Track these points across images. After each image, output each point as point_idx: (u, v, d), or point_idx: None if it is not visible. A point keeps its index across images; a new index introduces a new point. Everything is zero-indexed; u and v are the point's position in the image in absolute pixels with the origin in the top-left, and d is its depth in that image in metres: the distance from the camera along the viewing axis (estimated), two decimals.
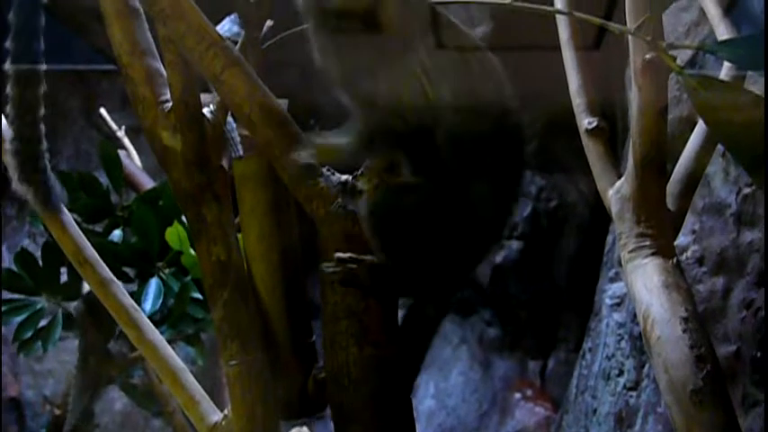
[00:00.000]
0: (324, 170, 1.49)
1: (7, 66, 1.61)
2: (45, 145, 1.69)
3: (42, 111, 1.66)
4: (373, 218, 1.44)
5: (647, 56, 1.45)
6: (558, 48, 1.89)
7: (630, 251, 1.61)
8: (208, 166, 1.69)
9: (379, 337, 1.48)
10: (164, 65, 1.67)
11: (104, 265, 1.91)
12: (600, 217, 2.68)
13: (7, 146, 1.68)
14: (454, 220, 1.45)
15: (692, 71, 2.56)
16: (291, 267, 1.71)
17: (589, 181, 1.81)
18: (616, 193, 1.66)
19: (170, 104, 1.67)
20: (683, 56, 2.37)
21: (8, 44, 1.58)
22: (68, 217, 1.89)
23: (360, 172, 1.48)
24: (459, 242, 1.47)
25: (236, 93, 1.48)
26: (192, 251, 2.58)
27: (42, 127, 1.67)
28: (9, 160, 1.68)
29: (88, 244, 1.90)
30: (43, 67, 1.64)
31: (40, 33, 1.59)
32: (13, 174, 1.65)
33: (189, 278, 2.71)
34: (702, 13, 2.11)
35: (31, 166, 1.69)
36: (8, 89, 1.63)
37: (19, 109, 1.66)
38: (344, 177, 1.49)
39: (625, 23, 1.47)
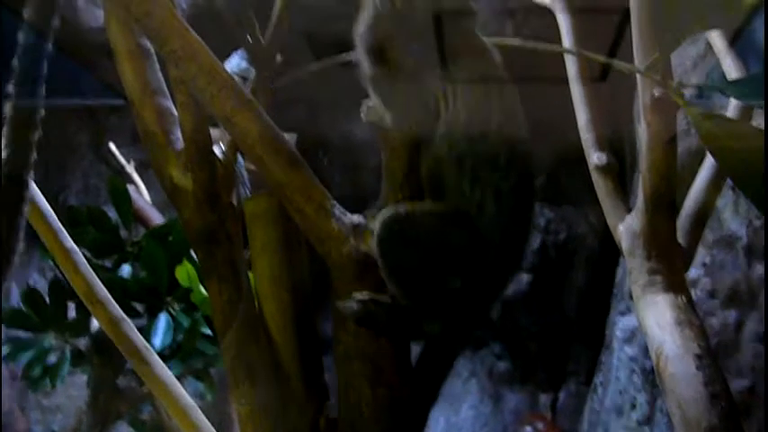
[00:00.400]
0: (336, 211, 1.49)
1: (6, 109, 1.61)
2: (29, 192, 1.69)
3: (34, 156, 1.66)
4: (382, 245, 1.43)
5: (656, 92, 1.46)
6: (565, 80, 1.90)
7: (642, 287, 1.59)
8: (218, 205, 1.69)
9: (392, 378, 1.47)
10: (175, 105, 1.68)
11: (115, 303, 1.90)
12: (609, 249, 2.67)
13: None
14: (467, 252, 1.44)
15: (700, 100, 2.57)
16: (302, 305, 1.71)
17: (598, 213, 1.80)
18: (626, 228, 1.66)
19: (181, 144, 1.67)
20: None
21: (10, 89, 1.58)
22: (80, 256, 1.88)
23: (371, 213, 1.48)
24: (473, 275, 1.46)
25: (247, 134, 1.49)
26: (202, 288, 2.57)
27: (32, 173, 1.67)
28: None
29: (99, 283, 1.89)
30: (42, 113, 1.64)
31: (43, 79, 1.59)
32: None
33: (199, 314, 2.70)
34: (709, 45, 2.12)
35: (12, 208, 1.68)
36: (4, 131, 1.63)
37: (12, 150, 1.66)
38: (357, 219, 1.49)
39: (632, 50, 1.47)
